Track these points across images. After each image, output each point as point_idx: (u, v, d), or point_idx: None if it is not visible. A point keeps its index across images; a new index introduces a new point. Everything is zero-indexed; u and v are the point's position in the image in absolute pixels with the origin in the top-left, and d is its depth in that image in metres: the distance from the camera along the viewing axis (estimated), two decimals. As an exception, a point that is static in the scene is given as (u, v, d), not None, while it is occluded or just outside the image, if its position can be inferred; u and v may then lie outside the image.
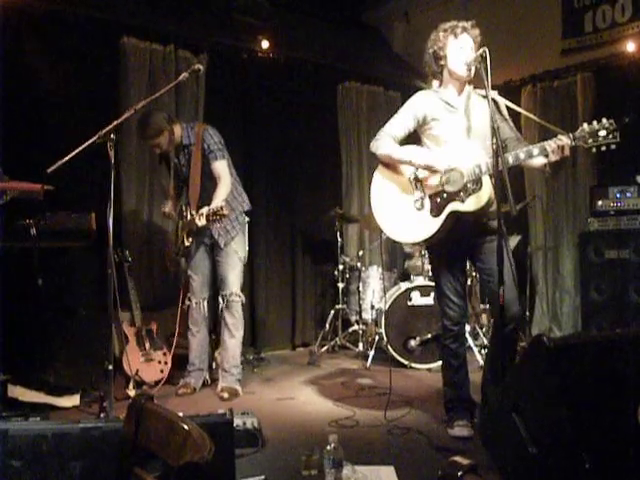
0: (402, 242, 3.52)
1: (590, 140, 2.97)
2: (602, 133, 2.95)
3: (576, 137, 3.01)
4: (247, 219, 4.46)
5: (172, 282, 5.03)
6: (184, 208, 4.27)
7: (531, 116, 3.66)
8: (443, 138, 3.28)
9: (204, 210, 3.89)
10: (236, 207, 4.34)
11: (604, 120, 2.97)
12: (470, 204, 3.13)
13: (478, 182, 3.12)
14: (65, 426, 2.30)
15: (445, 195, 3.18)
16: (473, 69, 3.18)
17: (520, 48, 6.34)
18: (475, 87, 3.37)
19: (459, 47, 3.20)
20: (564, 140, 3.03)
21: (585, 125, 3.00)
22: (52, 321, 3.98)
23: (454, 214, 3.16)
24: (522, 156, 3.07)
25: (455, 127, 3.27)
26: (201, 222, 3.92)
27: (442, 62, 3.28)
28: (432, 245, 3.46)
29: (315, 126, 6.44)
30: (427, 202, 3.23)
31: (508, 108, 3.39)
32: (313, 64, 6.38)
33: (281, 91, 6.19)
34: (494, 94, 3.19)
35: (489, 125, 2.97)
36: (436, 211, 3.20)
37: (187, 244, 4.20)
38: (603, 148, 2.97)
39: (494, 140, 2.89)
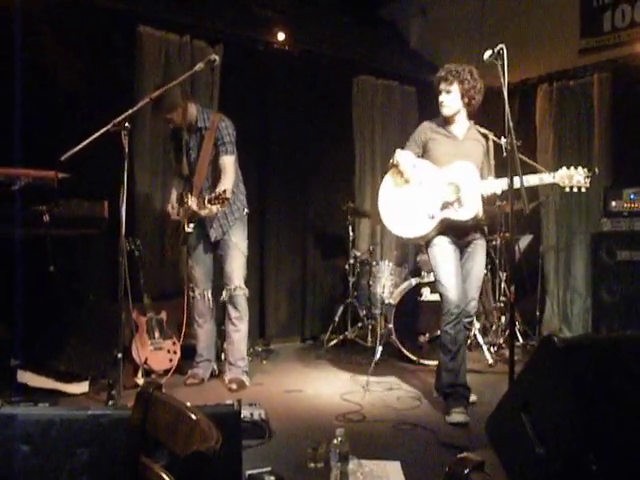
0: (399, 236, 3.82)
1: (566, 181, 3.55)
2: (576, 178, 3.54)
3: (556, 176, 3.57)
4: (247, 211, 4.43)
5: (182, 272, 5.04)
6: (184, 194, 4.26)
7: (527, 160, 4.00)
8: (440, 160, 3.76)
9: (205, 197, 3.89)
10: (234, 202, 4.30)
11: (579, 168, 3.56)
12: (461, 214, 3.68)
13: (471, 197, 3.66)
14: (74, 412, 2.31)
15: (442, 203, 3.69)
16: (448, 108, 3.76)
17: (537, 46, 6.27)
18: (476, 123, 3.90)
19: (438, 92, 3.78)
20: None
21: (564, 168, 3.57)
22: (63, 308, 4.00)
23: (447, 220, 3.70)
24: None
25: (451, 151, 3.77)
26: (203, 210, 3.93)
27: None
28: (429, 237, 3.82)
29: (329, 119, 6.43)
30: (427, 206, 3.72)
31: (522, 111, 3.53)
32: (329, 57, 6.36)
33: (296, 84, 6.18)
34: (490, 134, 3.84)
35: (481, 157, 3.81)
36: (432, 214, 3.71)
37: (188, 230, 4.19)
38: (575, 190, 3.56)
39: (509, 140, 3.18)
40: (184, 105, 4.16)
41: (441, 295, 3.76)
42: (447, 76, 3.70)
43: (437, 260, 3.77)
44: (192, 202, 4.05)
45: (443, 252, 3.75)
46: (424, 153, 3.86)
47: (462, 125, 3.84)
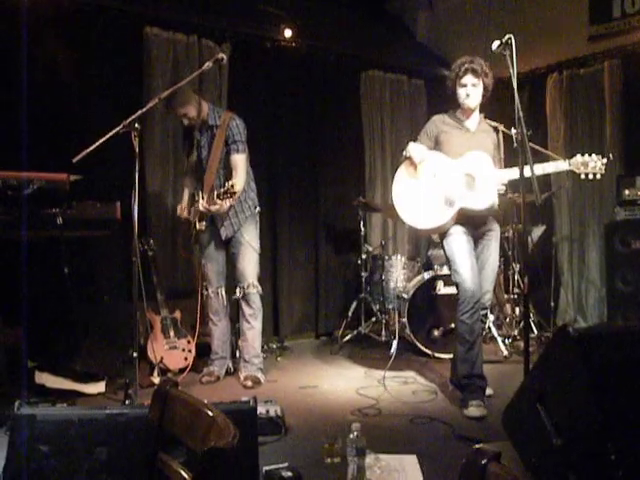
0: (417, 228, 3.82)
1: (581, 167, 3.55)
2: (591, 165, 3.54)
3: (571, 163, 3.57)
4: (258, 209, 4.45)
5: (196, 271, 5.06)
6: (196, 193, 4.28)
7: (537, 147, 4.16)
8: (452, 152, 3.77)
9: (215, 193, 3.90)
10: (245, 200, 4.32)
11: (593, 155, 3.57)
12: (477, 203, 3.69)
13: (486, 187, 3.68)
14: (91, 412, 2.33)
15: (458, 193, 3.70)
16: (472, 100, 3.74)
17: (546, 35, 6.23)
18: (485, 117, 3.93)
19: (461, 85, 3.75)
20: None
21: (578, 156, 3.57)
22: (78, 309, 4.02)
23: (463, 210, 3.70)
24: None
25: (463, 143, 3.77)
26: (213, 206, 3.95)
27: (454, 93, 3.83)
28: (446, 229, 3.81)
29: (338, 115, 6.42)
30: (443, 196, 3.73)
31: (532, 101, 3.53)
32: (336, 53, 6.35)
33: (304, 80, 6.17)
34: (500, 127, 3.87)
35: (492, 149, 3.81)
36: (449, 204, 3.73)
37: (199, 228, 4.21)
38: (590, 176, 3.56)
39: (519, 130, 3.19)
40: (197, 99, 4.19)
41: (457, 285, 3.75)
42: (476, 69, 3.69)
43: (453, 250, 3.76)
44: (201, 200, 4.07)
45: (459, 242, 3.74)
46: (436, 146, 3.85)
47: (474, 117, 3.86)
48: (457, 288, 3.76)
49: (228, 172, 4.23)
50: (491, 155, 3.78)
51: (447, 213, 3.72)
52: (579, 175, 3.56)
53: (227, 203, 3.95)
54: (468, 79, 3.72)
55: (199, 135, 4.30)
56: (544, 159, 3.70)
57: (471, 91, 3.73)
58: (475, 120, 3.86)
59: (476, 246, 3.84)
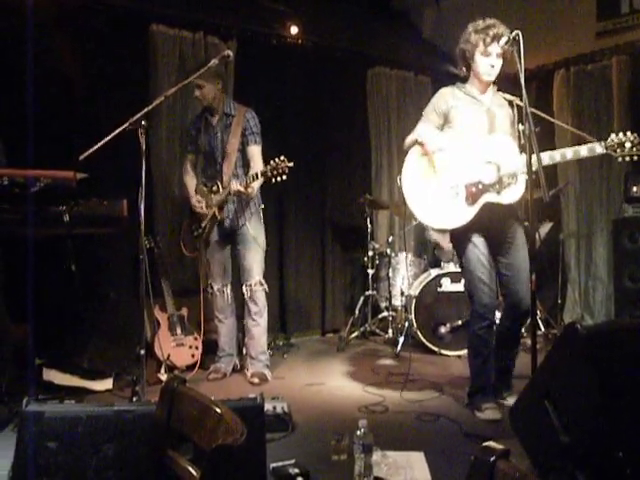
0: (435, 227, 3.60)
1: (618, 150, 3.12)
2: (627, 145, 3.11)
3: (607, 146, 3.13)
4: (262, 206, 4.46)
5: (200, 269, 5.06)
6: (205, 185, 4.31)
7: (560, 123, 3.82)
8: (466, 130, 3.37)
9: (259, 171, 3.98)
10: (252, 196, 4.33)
11: (628, 133, 3.13)
12: (505, 197, 3.28)
13: (514, 177, 3.26)
14: (99, 409, 2.33)
15: (481, 186, 3.29)
16: (495, 73, 3.36)
17: (554, 31, 6.19)
18: (498, 90, 3.53)
19: (486, 54, 3.32)
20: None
21: (613, 135, 3.15)
22: (85, 307, 4.04)
23: (489, 205, 3.29)
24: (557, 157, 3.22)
25: (478, 121, 3.38)
26: (249, 188, 4.06)
27: (469, 61, 3.42)
28: (459, 231, 3.44)
29: (345, 112, 6.42)
30: (462, 190, 3.33)
31: (539, 97, 3.44)
32: (342, 50, 6.34)
33: (310, 77, 6.17)
34: (516, 100, 3.39)
35: (509, 126, 3.37)
36: (471, 200, 3.31)
37: (220, 217, 4.25)
38: (627, 159, 3.15)
39: (526, 125, 3.02)
40: (222, 82, 4.28)
41: (473, 298, 3.44)
42: (505, 35, 3.19)
43: (470, 259, 3.41)
44: (234, 183, 4.11)
45: (476, 251, 3.39)
46: (446, 123, 3.45)
47: (489, 91, 3.47)
48: (472, 300, 3.46)
49: (244, 162, 4.27)
50: (510, 134, 3.38)
51: (471, 211, 3.31)
52: (617, 158, 3.15)
53: (257, 185, 4.12)
54: (494, 48, 3.28)
55: (213, 121, 4.33)
56: (578, 142, 3.37)
57: (496, 62, 3.32)
58: (489, 94, 3.45)
59: (501, 249, 3.45)
